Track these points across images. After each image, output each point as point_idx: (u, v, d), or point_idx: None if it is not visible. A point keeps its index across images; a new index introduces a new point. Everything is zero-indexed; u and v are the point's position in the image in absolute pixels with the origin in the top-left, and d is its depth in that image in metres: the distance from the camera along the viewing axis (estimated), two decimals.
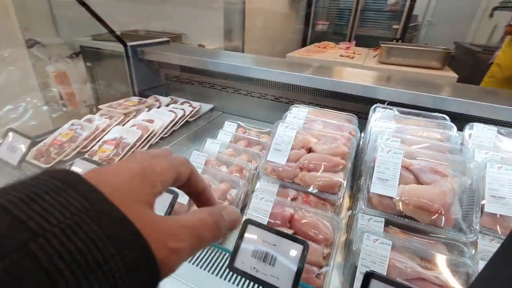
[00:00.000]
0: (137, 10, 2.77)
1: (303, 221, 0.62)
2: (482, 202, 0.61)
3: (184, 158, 0.27)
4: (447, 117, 0.84)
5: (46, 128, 1.14)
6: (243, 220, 0.46)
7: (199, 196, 0.30)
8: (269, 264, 0.42)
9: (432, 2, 4.54)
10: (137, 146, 1.01)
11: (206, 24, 2.73)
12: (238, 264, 0.43)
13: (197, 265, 0.62)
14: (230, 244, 0.68)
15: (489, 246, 0.61)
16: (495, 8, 3.02)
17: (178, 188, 0.28)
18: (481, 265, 0.56)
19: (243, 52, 2.81)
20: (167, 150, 0.30)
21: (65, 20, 2.35)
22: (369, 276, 0.38)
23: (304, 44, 4.26)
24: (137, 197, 0.20)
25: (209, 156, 0.83)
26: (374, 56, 2.55)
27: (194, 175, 0.28)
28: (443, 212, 0.57)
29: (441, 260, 0.56)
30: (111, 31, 1.32)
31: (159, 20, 2.81)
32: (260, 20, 2.99)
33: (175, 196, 0.53)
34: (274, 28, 3.38)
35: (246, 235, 0.44)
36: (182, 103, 1.39)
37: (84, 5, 1.13)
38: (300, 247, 0.42)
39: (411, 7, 3.44)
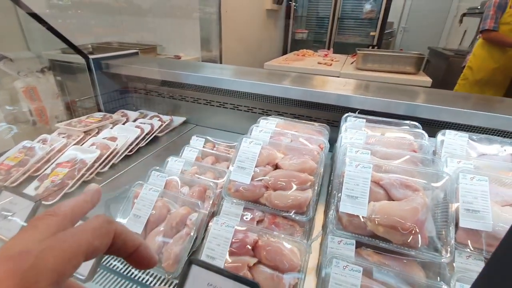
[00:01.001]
0: (113, 21, 2.70)
1: (268, 248, 0.55)
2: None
3: (101, 221, 0.21)
4: (418, 125, 0.82)
5: (5, 149, 1.04)
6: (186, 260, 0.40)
7: (132, 256, 0.24)
8: None
9: (406, 9, 4.71)
10: (95, 167, 0.93)
11: (182, 35, 2.69)
12: None
13: None
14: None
15: (466, 264, 0.57)
16: (464, 15, 3.16)
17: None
18: (458, 287, 0.52)
19: (221, 62, 2.77)
20: (83, 201, 0.23)
21: (36, 34, 2.25)
22: None
23: (284, 52, 4.29)
24: None
25: (170, 176, 0.76)
26: (352, 63, 2.57)
27: (120, 237, 0.22)
28: (416, 230, 0.52)
29: (417, 285, 0.51)
30: (70, 45, 1.24)
31: (135, 32, 2.75)
32: (238, 30, 2.98)
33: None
34: (252, 38, 3.37)
35: (189, 279, 0.38)
36: (151, 117, 1.32)
37: (37, 17, 1.05)
38: None
39: (386, 15, 3.53)
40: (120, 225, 0.23)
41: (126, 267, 0.62)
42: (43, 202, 0.73)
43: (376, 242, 0.54)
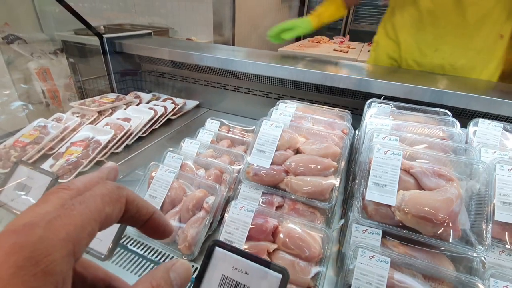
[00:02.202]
0: (125, 5, 2.66)
1: (289, 234, 0.53)
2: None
3: (110, 187, 0.19)
4: (449, 113, 0.77)
5: (21, 127, 1.04)
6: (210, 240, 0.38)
7: (147, 224, 0.22)
8: None
9: None
10: (109, 147, 0.92)
11: (195, 18, 2.63)
12: None
13: None
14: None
15: (499, 259, 0.54)
16: None
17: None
18: (492, 283, 0.49)
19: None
20: (97, 178, 0.22)
21: (50, 16, 2.24)
22: None
23: (298, 38, 4.17)
24: None
25: (186, 158, 0.74)
26: (368, 51, 2.47)
27: (133, 203, 0.20)
28: (449, 223, 0.49)
29: (447, 278, 0.48)
30: (86, 24, 1.22)
31: (147, 16, 2.70)
32: (251, 14, 2.89)
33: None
34: (266, 23, 3.27)
35: (213, 260, 0.36)
36: (164, 100, 1.29)
37: None
38: (278, 276, 0.34)
39: None
40: (131, 192, 0.21)
41: (143, 246, 0.61)
42: (58, 180, 0.72)
43: (405, 232, 0.51)
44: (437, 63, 1.09)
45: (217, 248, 0.37)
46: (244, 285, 0.34)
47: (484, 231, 0.50)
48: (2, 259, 0.13)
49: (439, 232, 0.50)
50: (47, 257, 0.14)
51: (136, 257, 0.58)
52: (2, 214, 0.64)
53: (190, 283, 0.50)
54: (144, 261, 0.58)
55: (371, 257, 0.48)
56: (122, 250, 0.60)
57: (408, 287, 0.46)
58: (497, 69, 1.11)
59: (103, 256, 0.40)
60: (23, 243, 0.14)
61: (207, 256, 0.37)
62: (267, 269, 0.34)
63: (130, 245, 0.61)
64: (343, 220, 0.59)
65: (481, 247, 0.49)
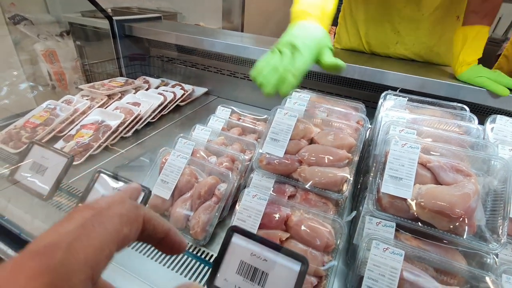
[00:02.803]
0: None
1: (302, 223, 0.53)
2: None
3: (128, 207, 0.20)
4: (466, 108, 0.75)
5: (28, 108, 1.04)
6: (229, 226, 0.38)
7: (163, 241, 0.22)
8: (258, 284, 0.34)
9: None
10: (119, 131, 0.91)
11: (203, 3, 2.57)
12: (219, 282, 0.34)
13: (180, 273, 0.54)
14: (217, 248, 0.60)
15: (511, 256, 0.54)
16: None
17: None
18: (504, 279, 0.49)
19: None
20: (120, 198, 0.21)
21: None
22: None
23: None
24: None
25: (197, 145, 0.73)
26: None
27: (150, 222, 0.21)
28: (465, 218, 0.49)
29: (460, 273, 0.48)
30: (97, 6, 1.19)
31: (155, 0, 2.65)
32: (261, 1, 2.82)
33: (147, 194, 0.44)
34: (276, 11, 3.20)
35: (231, 246, 0.36)
36: (173, 86, 1.28)
37: None
38: (298, 264, 0.34)
39: None
40: (147, 210, 0.21)
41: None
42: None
43: (419, 226, 0.51)
44: (401, 53, 1.10)
45: (235, 234, 0.37)
46: (263, 272, 0.35)
47: (500, 228, 0.49)
48: (25, 284, 0.13)
49: (454, 227, 0.49)
50: (67, 283, 0.14)
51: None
52: (16, 192, 0.65)
53: (207, 267, 0.50)
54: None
55: (385, 249, 0.48)
56: None
57: (419, 280, 0.47)
58: None
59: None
60: (45, 268, 0.14)
61: (226, 241, 0.37)
62: (286, 257, 0.34)
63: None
64: (355, 212, 0.59)
65: (496, 244, 0.48)
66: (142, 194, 0.43)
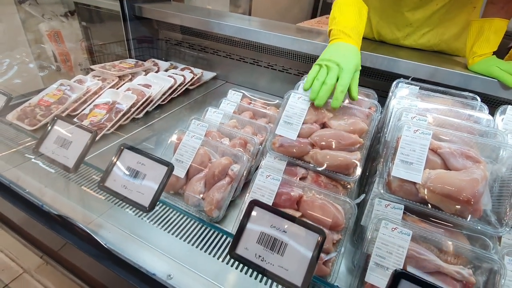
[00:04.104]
0: None
1: (313, 203, 0.55)
2: None
3: None
4: (477, 97, 0.75)
5: (36, 87, 1.05)
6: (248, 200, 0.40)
7: None
8: (277, 253, 0.36)
9: None
10: (131, 112, 0.93)
11: None
12: (240, 250, 0.37)
13: (196, 246, 0.57)
14: (229, 225, 0.63)
15: None
16: None
17: None
18: (507, 260, 0.51)
19: None
20: None
21: None
22: (399, 276, 0.32)
23: (314, 15, 4.01)
24: None
25: (210, 127, 0.75)
26: None
27: None
28: (472, 202, 0.50)
29: (464, 253, 0.51)
30: None
31: None
32: None
33: (170, 168, 0.46)
34: None
35: (252, 218, 0.38)
36: (182, 69, 1.28)
37: None
38: (315, 236, 0.36)
39: None
40: None
41: (170, 210, 0.64)
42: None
43: (426, 208, 0.53)
44: (410, 44, 1.08)
45: (256, 207, 0.39)
46: (282, 242, 0.37)
47: (506, 213, 0.51)
48: None
49: (461, 210, 0.51)
50: None
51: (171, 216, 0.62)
52: (35, 167, 0.67)
53: (229, 238, 0.53)
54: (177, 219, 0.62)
55: (393, 229, 0.50)
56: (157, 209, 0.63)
57: (425, 258, 0.49)
58: None
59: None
60: None
61: (247, 214, 0.39)
62: (304, 229, 0.37)
63: (160, 207, 0.64)
64: (364, 195, 0.61)
65: (501, 227, 0.50)
66: (165, 169, 0.45)
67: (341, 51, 0.69)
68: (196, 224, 0.62)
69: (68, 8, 2.10)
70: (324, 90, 0.62)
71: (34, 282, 1.23)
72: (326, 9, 3.93)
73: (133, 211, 0.62)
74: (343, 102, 0.64)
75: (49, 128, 0.53)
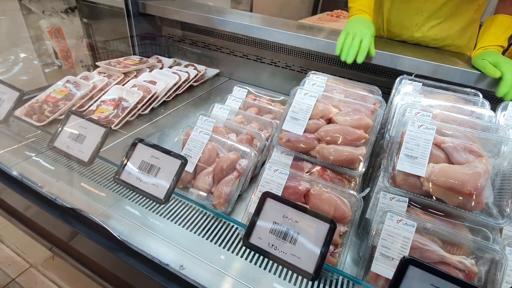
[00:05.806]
0: None
1: (320, 196, 0.57)
2: None
3: None
4: (479, 94, 0.77)
5: (39, 84, 1.05)
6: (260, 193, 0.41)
7: None
8: (290, 243, 0.38)
9: None
10: (138, 108, 0.94)
11: None
12: (254, 240, 0.38)
13: (206, 238, 0.59)
14: (237, 218, 0.64)
15: None
16: None
17: None
18: (508, 251, 0.53)
19: None
20: None
21: None
22: (407, 262, 0.34)
23: (315, 11, 4.00)
24: None
25: (217, 122, 0.76)
26: None
27: None
28: (474, 195, 0.52)
29: (466, 244, 0.52)
30: None
31: None
32: None
33: (184, 162, 0.47)
34: None
35: (265, 209, 0.39)
36: (186, 66, 1.29)
37: None
38: (327, 226, 0.37)
39: None
40: None
41: (181, 203, 0.66)
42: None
43: (430, 201, 0.54)
44: (418, 36, 1.08)
45: (268, 199, 0.40)
46: (294, 231, 0.38)
47: (506, 205, 0.53)
48: None
49: (464, 203, 0.53)
50: None
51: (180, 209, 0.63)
52: (47, 160, 0.68)
53: (240, 229, 0.54)
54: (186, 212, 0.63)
55: (398, 221, 0.52)
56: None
57: (428, 249, 0.51)
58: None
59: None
60: None
61: (260, 205, 0.40)
62: (316, 219, 0.38)
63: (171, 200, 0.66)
64: (368, 189, 0.62)
65: (502, 219, 0.52)
66: (179, 163, 0.46)
67: (360, 22, 0.89)
68: (205, 216, 0.64)
69: (68, 5, 2.09)
70: (352, 50, 0.80)
71: (41, 276, 1.25)
72: (326, 5, 3.92)
73: (142, 204, 0.64)
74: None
75: (63, 123, 0.54)
